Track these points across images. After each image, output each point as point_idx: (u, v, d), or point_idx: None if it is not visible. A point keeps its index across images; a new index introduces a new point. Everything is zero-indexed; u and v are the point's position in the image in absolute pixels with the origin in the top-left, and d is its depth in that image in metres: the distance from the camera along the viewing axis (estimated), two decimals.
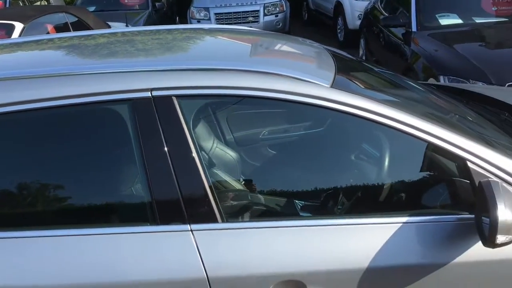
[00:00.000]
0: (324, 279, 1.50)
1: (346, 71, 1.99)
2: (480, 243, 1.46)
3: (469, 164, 1.54)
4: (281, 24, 8.73)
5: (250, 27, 8.21)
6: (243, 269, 1.47)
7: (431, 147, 1.59)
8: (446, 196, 1.68)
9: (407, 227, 1.55)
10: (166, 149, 1.50)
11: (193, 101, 1.68)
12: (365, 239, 1.54)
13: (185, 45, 2.22)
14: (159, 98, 1.52)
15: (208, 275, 1.45)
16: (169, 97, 1.53)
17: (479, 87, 2.84)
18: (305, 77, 1.62)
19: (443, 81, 3.93)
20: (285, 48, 2.20)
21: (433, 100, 2.22)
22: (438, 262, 1.52)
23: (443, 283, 1.54)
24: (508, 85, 3.75)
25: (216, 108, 2.19)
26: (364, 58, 6.72)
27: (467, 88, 2.83)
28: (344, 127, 2.11)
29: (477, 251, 1.51)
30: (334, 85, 1.62)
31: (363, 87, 1.94)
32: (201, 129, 2.01)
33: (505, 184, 1.49)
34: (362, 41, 6.84)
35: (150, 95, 1.52)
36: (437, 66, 4.14)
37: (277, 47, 2.24)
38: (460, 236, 1.54)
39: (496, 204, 1.38)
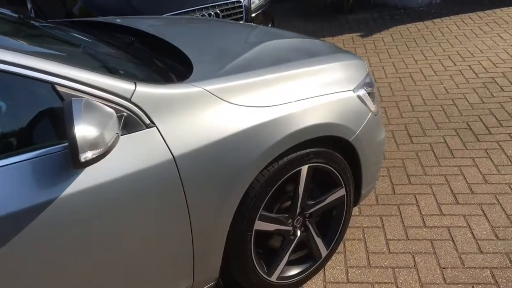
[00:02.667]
0: None
1: None
2: None
3: (57, 87, 1.40)
4: None
5: None
6: None
7: (22, 78, 1.38)
8: (54, 127, 1.52)
9: (13, 170, 1.34)
10: None
11: None
12: None
13: None
14: None
15: None
16: None
17: (113, 19, 2.78)
18: None
19: None
20: None
21: (47, 35, 2.03)
22: (52, 198, 1.37)
23: (61, 220, 1.40)
24: None
25: None
26: (32, 12, 6.10)
27: (106, 21, 2.73)
28: None
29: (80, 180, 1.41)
30: None
31: None
32: None
33: (95, 100, 1.41)
34: None
35: None
36: (93, 7, 3.98)
37: None
38: (69, 165, 1.41)
39: (73, 121, 1.28)
